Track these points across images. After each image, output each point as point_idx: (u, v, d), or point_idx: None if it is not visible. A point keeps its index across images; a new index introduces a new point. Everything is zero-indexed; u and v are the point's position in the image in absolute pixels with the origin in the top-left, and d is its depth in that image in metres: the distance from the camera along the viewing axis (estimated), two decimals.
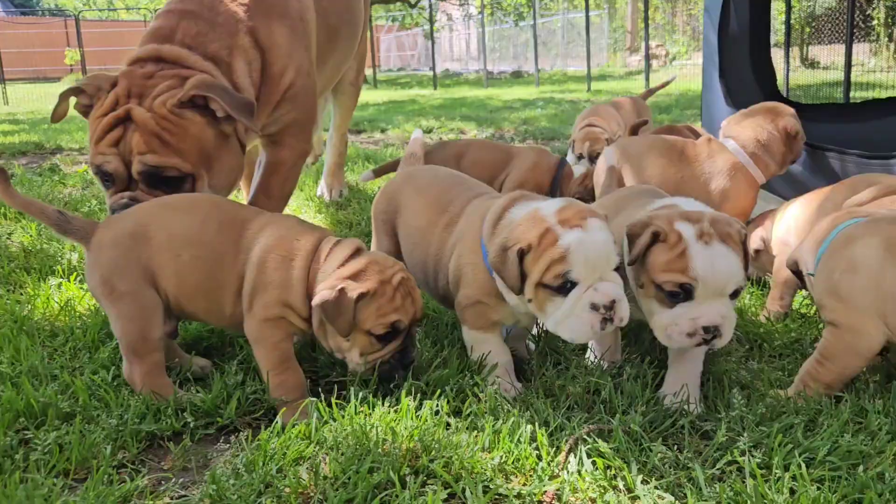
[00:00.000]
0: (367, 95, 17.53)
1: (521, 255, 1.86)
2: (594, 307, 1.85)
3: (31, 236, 3.68)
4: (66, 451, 1.77)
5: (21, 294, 2.91)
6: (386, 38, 34.07)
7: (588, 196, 3.78)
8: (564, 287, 1.85)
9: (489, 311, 2.11)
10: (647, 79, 15.37)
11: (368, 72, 23.21)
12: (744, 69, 4.42)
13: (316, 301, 1.95)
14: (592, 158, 5.04)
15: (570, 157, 5.14)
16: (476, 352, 2.16)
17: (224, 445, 1.89)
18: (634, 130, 3.80)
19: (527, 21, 24.63)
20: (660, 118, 8.81)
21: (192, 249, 2.04)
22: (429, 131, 8.94)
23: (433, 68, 21.47)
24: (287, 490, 1.58)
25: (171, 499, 1.65)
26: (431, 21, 23.22)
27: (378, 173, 4.24)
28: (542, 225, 1.87)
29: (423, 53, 29.84)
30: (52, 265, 3.25)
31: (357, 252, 2.06)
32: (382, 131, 9.29)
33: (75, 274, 3.09)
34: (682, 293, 1.89)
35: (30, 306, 2.72)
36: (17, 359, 2.27)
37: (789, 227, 2.72)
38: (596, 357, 2.21)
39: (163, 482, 1.71)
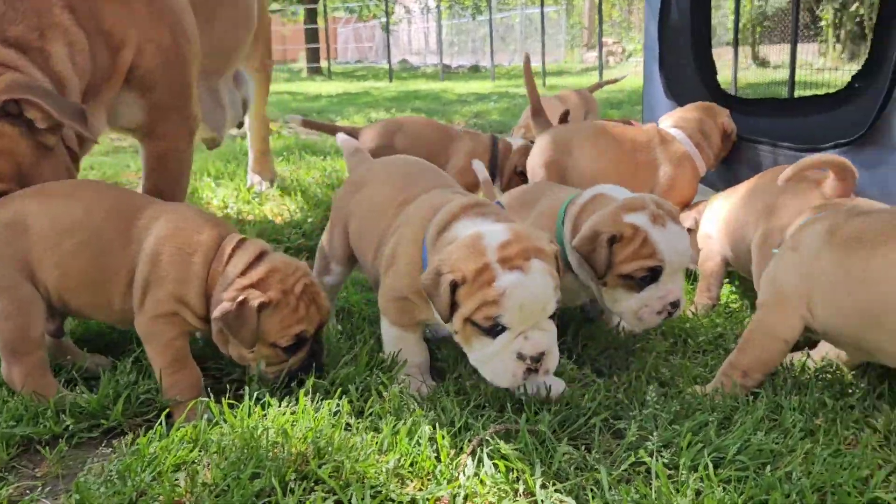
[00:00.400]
0: (321, 87, 17.27)
1: (454, 286, 1.71)
2: (521, 356, 1.71)
3: None
4: None
5: None
6: (343, 29, 33.63)
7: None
8: (494, 329, 1.71)
9: (414, 309, 1.98)
10: (601, 75, 15.43)
11: (323, 63, 22.93)
12: (685, 63, 4.39)
13: (216, 314, 1.81)
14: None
15: None
16: (391, 347, 2.04)
17: (107, 450, 1.76)
18: (563, 120, 3.74)
19: (484, 15, 24.55)
20: (609, 113, 8.81)
21: (74, 238, 1.89)
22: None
23: (389, 61, 21.26)
24: (161, 499, 1.46)
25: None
26: (388, 13, 22.99)
27: (308, 124, 4.12)
28: (481, 259, 1.70)
29: (381, 46, 29.52)
30: None
31: (259, 256, 1.93)
32: (331, 121, 9.13)
33: None
34: (650, 276, 2.00)
35: None
36: None
37: (714, 220, 2.68)
38: None
39: (28, 491, 1.57)
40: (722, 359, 2.09)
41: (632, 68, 16.01)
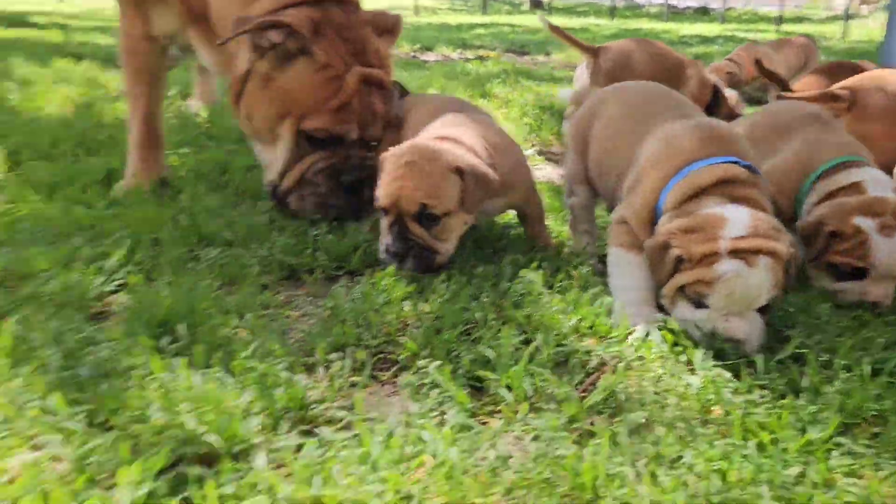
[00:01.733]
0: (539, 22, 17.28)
1: (679, 261, 1.81)
2: (713, 334, 1.80)
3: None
4: (225, 267, 2.17)
5: (204, 153, 3.40)
6: None
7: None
8: (698, 302, 1.81)
9: (633, 235, 2.03)
10: (846, 26, 14.01)
11: None
12: None
13: None
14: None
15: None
16: (611, 268, 2.07)
17: (349, 283, 2.22)
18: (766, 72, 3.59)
19: None
20: None
21: None
22: None
23: None
24: (391, 318, 1.87)
25: (300, 310, 2.00)
26: None
27: (554, 29, 4.30)
28: (712, 246, 1.76)
29: None
30: (228, 132, 3.75)
31: None
32: (547, 54, 9.29)
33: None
34: (855, 273, 2.13)
35: (206, 165, 3.19)
36: (196, 198, 2.72)
37: None
38: None
39: (294, 299, 2.07)
40: None
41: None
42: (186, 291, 1.91)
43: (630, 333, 1.84)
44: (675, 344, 1.80)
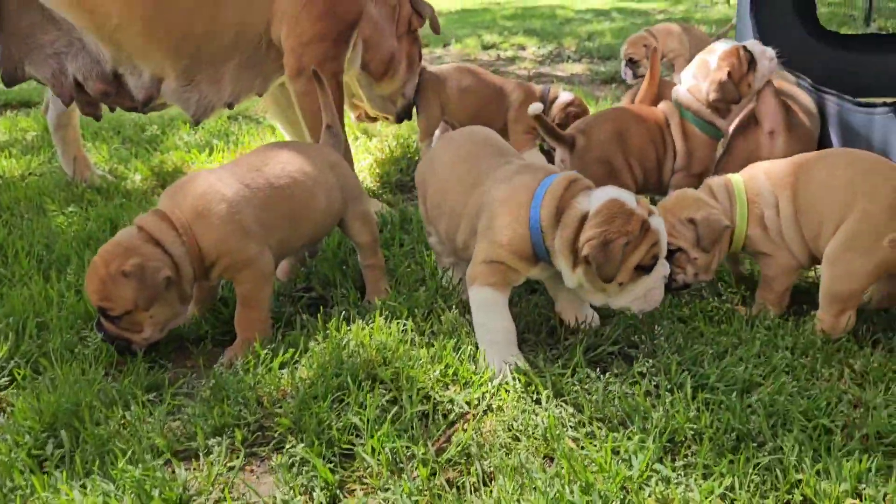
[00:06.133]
0: (442, 1, 17.33)
1: (626, 245, 2.03)
2: (664, 277, 2.18)
3: (103, 156, 4.21)
4: (111, 348, 2.27)
5: (91, 211, 3.44)
6: None
7: (572, 123, 3.95)
8: (652, 265, 2.12)
9: (508, 271, 2.17)
10: None
11: None
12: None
13: None
14: (629, 62, 5.18)
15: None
16: (479, 310, 2.18)
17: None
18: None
19: None
20: None
21: None
22: (490, 47, 9.02)
23: None
24: (270, 387, 2.02)
25: (186, 386, 2.13)
26: None
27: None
28: (638, 218, 2.06)
29: None
30: (117, 186, 3.77)
31: None
32: (445, 45, 9.40)
33: (138, 197, 3.59)
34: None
35: (94, 223, 3.23)
36: (81, 269, 2.78)
37: None
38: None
39: (181, 375, 2.19)
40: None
41: None
42: (72, 386, 2.01)
43: (491, 378, 2.05)
44: (528, 384, 2.02)
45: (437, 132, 4.21)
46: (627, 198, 2.10)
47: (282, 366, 2.12)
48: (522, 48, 8.96)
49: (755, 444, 1.77)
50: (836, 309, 2.24)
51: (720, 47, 3.06)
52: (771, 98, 3.04)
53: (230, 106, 3.37)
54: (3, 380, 2.16)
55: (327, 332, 2.26)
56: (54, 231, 3.24)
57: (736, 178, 2.49)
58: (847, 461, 1.68)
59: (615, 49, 8.18)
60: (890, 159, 2.64)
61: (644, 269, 2.10)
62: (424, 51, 4.62)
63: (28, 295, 2.58)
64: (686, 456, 1.75)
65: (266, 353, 2.14)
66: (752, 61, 3.01)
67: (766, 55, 3.05)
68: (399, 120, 4.09)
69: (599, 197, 2.10)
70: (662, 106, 3.19)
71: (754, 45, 3.07)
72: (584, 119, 3.20)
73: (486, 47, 9.00)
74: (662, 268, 2.17)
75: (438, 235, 2.58)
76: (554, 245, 2.10)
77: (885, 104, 2.78)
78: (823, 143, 3.19)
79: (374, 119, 4.27)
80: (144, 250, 2.13)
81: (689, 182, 2.95)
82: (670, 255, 2.33)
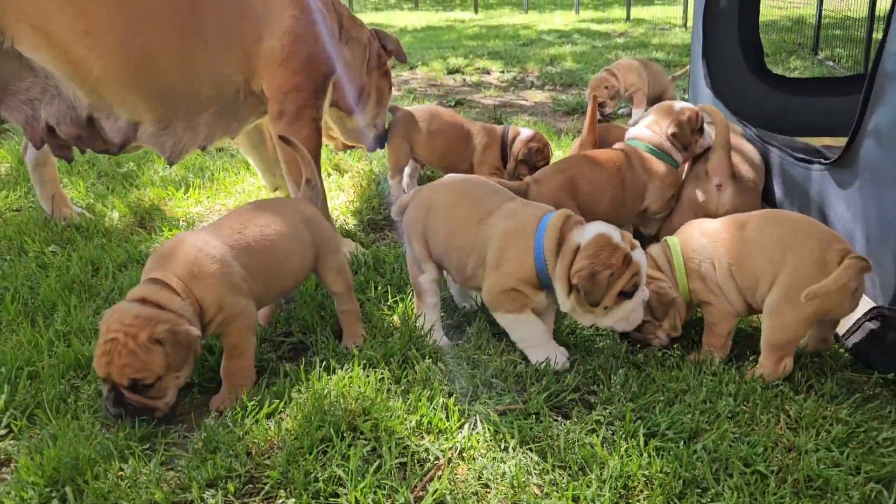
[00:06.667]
0: (407, 18, 17.58)
1: (611, 276, 2.37)
2: (644, 301, 2.54)
3: (80, 192, 4.29)
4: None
5: (73, 253, 3.54)
6: None
7: (534, 158, 4.23)
8: (634, 291, 2.45)
9: (520, 297, 2.54)
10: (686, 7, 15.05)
11: None
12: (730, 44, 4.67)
13: None
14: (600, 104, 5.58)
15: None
16: (516, 330, 2.59)
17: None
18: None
19: None
20: None
21: None
22: (455, 71, 9.24)
23: None
24: (258, 438, 2.17)
25: (179, 438, 2.27)
26: None
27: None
28: (621, 251, 2.40)
29: None
30: (96, 224, 3.87)
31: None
32: (411, 68, 9.60)
33: (118, 236, 3.70)
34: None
35: (77, 266, 3.34)
36: (68, 316, 2.89)
37: None
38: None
39: (172, 427, 2.33)
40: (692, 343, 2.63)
41: None
42: (71, 440, 2.14)
43: (462, 426, 2.23)
44: (496, 431, 2.20)
45: (406, 170, 4.42)
46: (613, 233, 2.45)
47: (268, 416, 2.27)
48: (487, 72, 9.20)
49: (699, 490, 1.98)
50: (775, 356, 2.48)
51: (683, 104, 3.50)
52: (721, 152, 3.29)
53: (203, 148, 3.51)
54: (0, 431, 2.28)
55: (309, 381, 2.42)
56: (36, 272, 3.34)
57: (672, 241, 2.76)
58: None
59: (576, 76, 8.48)
60: (827, 212, 2.91)
61: (626, 294, 2.44)
62: (392, 72, 4.81)
63: (17, 342, 2.69)
64: (639, 501, 1.96)
65: (253, 405, 2.30)
66: (702, 127, 3.41)
67: (710, 132, 3.46)
68: (371, 149, 4.29)
69: (590, 231, 2.46)
70: (621, 146, 3.47)
71: (706, 116, 3.44)
72: (542, 170, 3.44)
73: (451, 71, 9.22)
74: (642, 293, 2.50)
75: (447, 270, 2.82)
76: (555, 273, 2.45)
77: (821, 162, 3.03)
78: (768, 193, 3.45)
79: (351, 146, 4.49)
80: (165, 317, 2.24)
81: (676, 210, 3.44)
82: (640, 326, 2.64)
